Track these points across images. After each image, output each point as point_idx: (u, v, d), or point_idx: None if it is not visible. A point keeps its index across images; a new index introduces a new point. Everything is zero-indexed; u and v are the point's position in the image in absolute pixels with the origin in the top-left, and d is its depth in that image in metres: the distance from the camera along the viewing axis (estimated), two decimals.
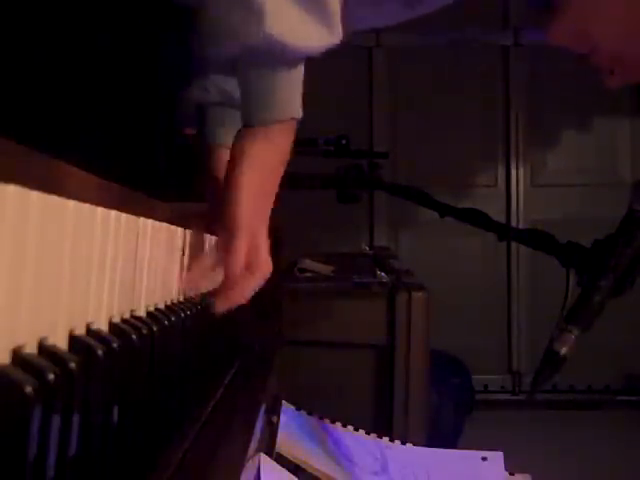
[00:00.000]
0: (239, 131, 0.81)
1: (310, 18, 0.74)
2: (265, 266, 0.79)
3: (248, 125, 0.79)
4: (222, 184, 0.82)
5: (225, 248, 0.77)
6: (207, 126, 1.04)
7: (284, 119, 0.79)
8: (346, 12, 0.78)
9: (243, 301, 0.79)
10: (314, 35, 0.75)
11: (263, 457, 0.73)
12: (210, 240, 0.82)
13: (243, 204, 0.77)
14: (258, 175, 0.79)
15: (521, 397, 3.33)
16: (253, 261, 0.78)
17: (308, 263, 1.76)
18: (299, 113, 0.80)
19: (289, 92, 0.79)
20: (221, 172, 0.94)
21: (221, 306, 0.76)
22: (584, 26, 0.92)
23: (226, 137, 1.03)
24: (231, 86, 0.94)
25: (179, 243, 0.67)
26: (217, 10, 0.75)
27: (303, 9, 0.74)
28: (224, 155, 1.00)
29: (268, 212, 0.81)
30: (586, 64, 0.94)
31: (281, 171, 0.82)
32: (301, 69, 0.80)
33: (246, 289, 0.78)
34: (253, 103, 0.79)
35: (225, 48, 0.78)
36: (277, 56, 0.76)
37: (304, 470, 0.91)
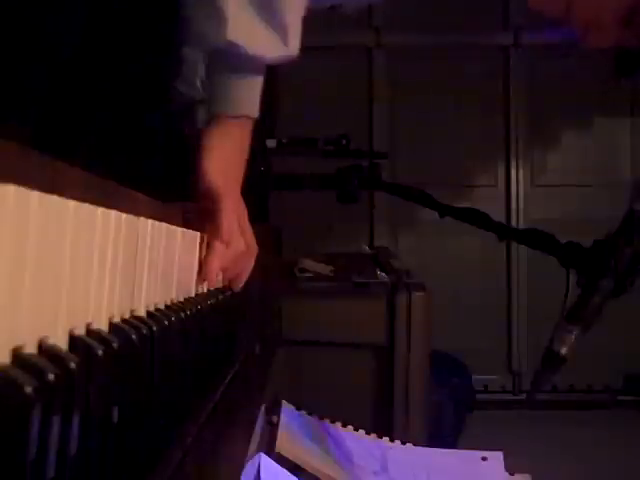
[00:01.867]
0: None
1: (267, 29, 0.85)
2: (237, 242, 0.87)
3: (210, 114, 0.90)
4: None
5: (211, 218, 0.83)
6: (197, 126, 1.07)
7: (238, 115, 0.89)
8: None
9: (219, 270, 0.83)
10: (269, 45, 0.86)
11: (263, 457, 0.73)
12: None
13: (213, 175, 0.85)
14: (218, 159, 0.87)
15: (521, 397, 3.33)
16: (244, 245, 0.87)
17: (308, 263, 1.76)
18: (255, 113, 0.91)
19: (246, 93, 0.90)
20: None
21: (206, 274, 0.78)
22: None
23: None
24: None
25: (192, 246, 0.68)
26: (187, 12, 0.86)
27: (262, 20, 0.84)
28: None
29: (237, 191, 0.90)
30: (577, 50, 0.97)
31: (240, 159, 0.92)
32: (259, 75, 0.90)
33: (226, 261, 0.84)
34: (213, 98, 0.90)
35: (194, 48, 0.86)
36: (236, 60, 0.86)
37: (304, 470, 0.91)
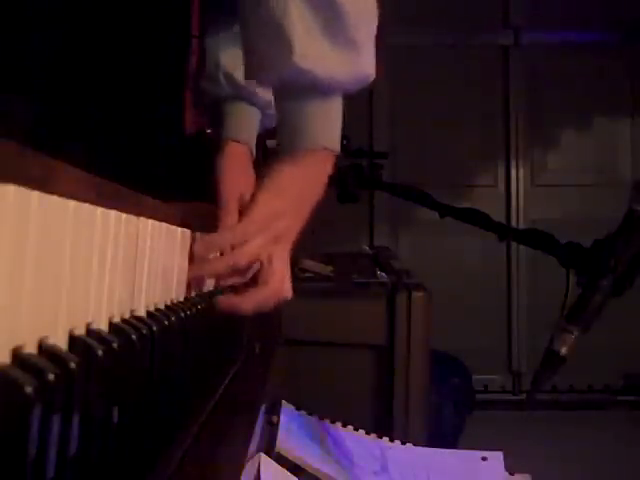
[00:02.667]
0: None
1: (335, 47, 0.76)
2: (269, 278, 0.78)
3: (281, 152, 0.81)
4: (225, 181, 0.83)
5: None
6: (221, 121, 1.04)
7: (313, 148, 0.80)
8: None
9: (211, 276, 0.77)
10: (339, 63, 0.77)
11: (263, 457, 0.73)
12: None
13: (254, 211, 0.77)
14: (274, 195, 0.79)
15: (521, 397, 3.33)
16: (263, 278, 0.77)
17: (308, 263, 1.76)
18: (334, 146, 0.81)
19: (321, 122, 0.80)
20: (227, 168, 0.94)
21: (192, 273, 0.71)
22: None
23: (237, 130, 1.03)
24: (240, 75, 0.94)
25: (183, 243, 0.67)
26: (250, 39, 0.78)
27: (331, 41, 0.75)
28: (233, 150, 1.00)
29: (286, 234, 0.81)
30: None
31: (311, 200, 0.83)
32: (336, 102, 0.81)
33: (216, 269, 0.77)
34: (285, 131, 0.81)
35: (260, 79, 0.80)
36: (307, 86, 0.77)
37: (304, 470, 0.91)
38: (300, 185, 0.81)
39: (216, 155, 1.01)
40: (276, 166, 0.80)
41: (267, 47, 0.75)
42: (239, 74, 0.97)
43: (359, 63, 0.79)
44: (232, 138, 1.02)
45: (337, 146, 0.81)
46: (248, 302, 0.78)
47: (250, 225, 0.77)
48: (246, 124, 1.01)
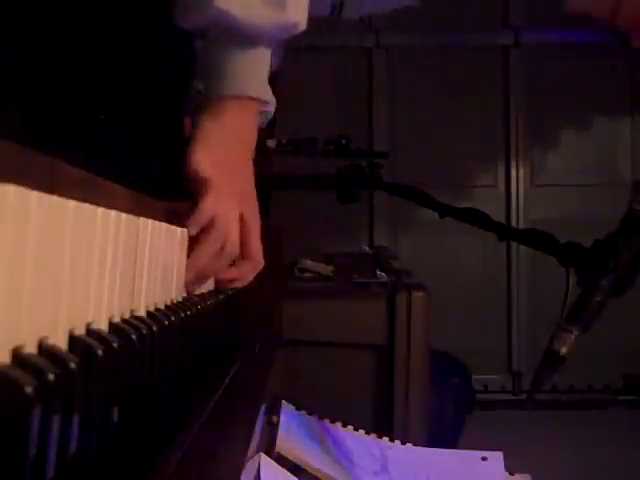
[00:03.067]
0: (197, 103, 0.80)
1: None
2: (232, 248, 0.79)
3: (204, 101, 0.79)
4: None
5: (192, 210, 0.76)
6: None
7: (235, 94, 0.78)
8: None
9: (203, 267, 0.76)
10: (265, 11, 0.76)
11: (263, 457, 0.73)
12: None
13: (201, 165, 0.77)
14: (209, 149, 0.78)
15: (521, 397, 3.33)
16: (207, 225, 0.76)
17: (308, 263, 1.76)
18: (260, 94, 0.80)
19: (243, 69, 0.78)
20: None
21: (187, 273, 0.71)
22: None
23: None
24: None
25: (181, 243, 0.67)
26: None
27: None
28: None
29: (228, 188, 0.79)
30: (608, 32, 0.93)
31: (239, 150, 0.81)
32: (263, 51, 0.79)
33: (210, 262, 0.76)
34: (206, 75, 0.79)
35: (186, 22, 0.79)
36: (229, 32, 0.76)
37: (304, 470, 0.91)
38: (222, 136, 0.79)
39: None
40: (202, 122, 0.79)
41: None
42: None
43: (285, 11, 0.77)
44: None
45: (264, 95, 0.80)
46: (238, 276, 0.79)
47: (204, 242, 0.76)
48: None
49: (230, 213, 0.78)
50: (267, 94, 0.81)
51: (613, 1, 0.92)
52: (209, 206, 0.76)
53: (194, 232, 0.74)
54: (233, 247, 0.79)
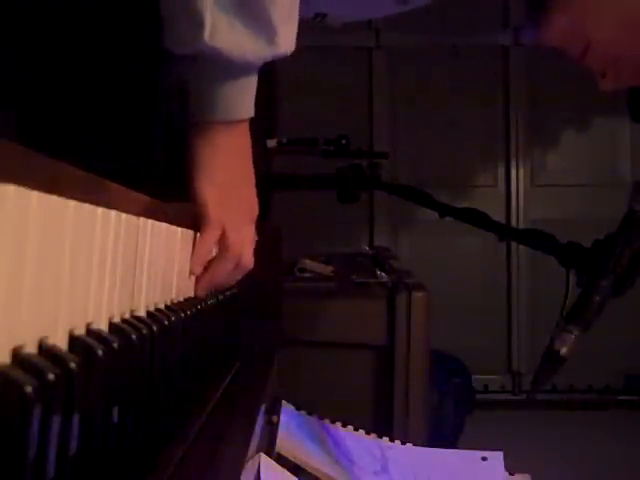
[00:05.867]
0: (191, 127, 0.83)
1: (250, 30, 0.76)
2: (247, 264, 0.84)
3: (195, 126, 0.82)
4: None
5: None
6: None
7: (227, 120, 0.81)
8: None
9: (212, 285, 0.81)
10: (254, 47, 0.77)
11: (263, 457, 0.73)
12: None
13: (201, 198, 0.80)
14: (210, 174, 0.81)
15: (521, 397, 3.33)
16: (222, 247, 0.81)
17: (308, 263, 1.76)
18: (248, 114, 0.82)
19: (235, 97, 0.81)
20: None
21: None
22: (581, 24, 0.91)
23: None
24: None
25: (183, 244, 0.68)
26: (167, 15, 0.78)
27: (244, 21, 0.76)
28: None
29: (237, 206, 0.83)
30: (579, 66, 0.93)
31: (238, 166, 0.84)
32: (253, 75, 0.82)
33: (217, 274, 0.81)
34: (197, 102, 0.81)
35: (175, 49, 0.80)
36: (220, 64, 0.78)
37: (304, 470, 0.91)
38: (228, 163, 0.82)
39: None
40: (197, 148, 0.81)
41: (180, 22, 0.76)
42: None
43: (277, 45, 0.78)
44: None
45: (251, 112, 0.83)
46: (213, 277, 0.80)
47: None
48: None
49: (241, 231, 0.83)
50: (252, 111, 0.84)
51: (582, 42, 0.92)
52: (210, 240, 0.80)
53: (198, 272, 0.78)
54: (247, 263, 0.85)
